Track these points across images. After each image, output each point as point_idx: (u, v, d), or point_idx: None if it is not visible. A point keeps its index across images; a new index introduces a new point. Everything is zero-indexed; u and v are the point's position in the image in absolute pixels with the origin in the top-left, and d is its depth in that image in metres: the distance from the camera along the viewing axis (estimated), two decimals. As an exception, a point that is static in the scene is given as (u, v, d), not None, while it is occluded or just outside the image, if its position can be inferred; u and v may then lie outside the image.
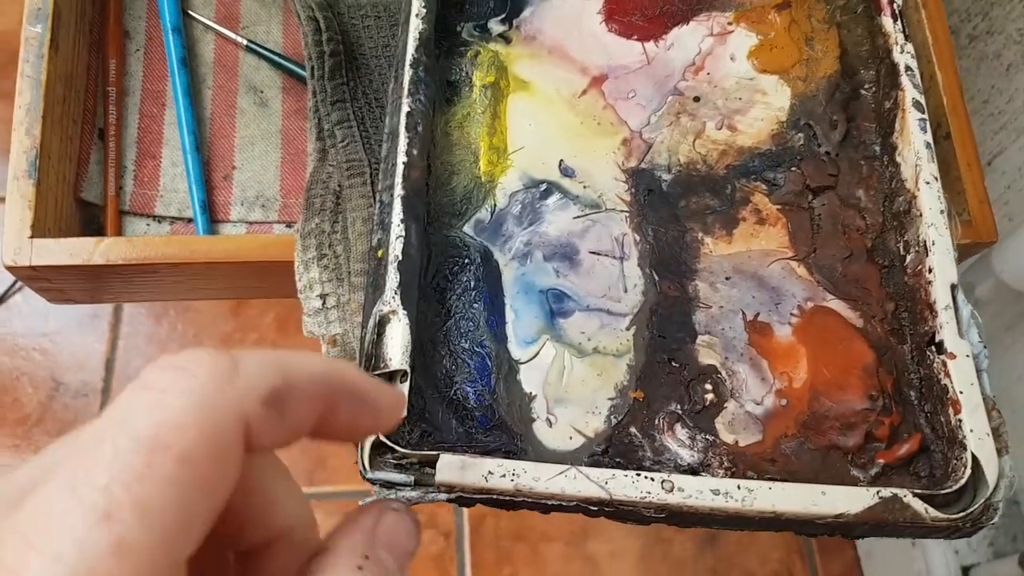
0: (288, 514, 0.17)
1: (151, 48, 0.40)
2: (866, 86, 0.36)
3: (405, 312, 0.28)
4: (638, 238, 0.33)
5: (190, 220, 0.37)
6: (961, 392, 0.28)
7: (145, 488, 0.13)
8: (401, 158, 0.30)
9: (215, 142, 0.39)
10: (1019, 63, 0.84)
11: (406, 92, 0.32)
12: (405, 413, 0.26)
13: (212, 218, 0.38)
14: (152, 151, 0.38)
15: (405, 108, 0.32)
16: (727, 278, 0.32)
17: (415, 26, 0.33)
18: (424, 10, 0.34)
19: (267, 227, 0.38)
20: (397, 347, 0.27)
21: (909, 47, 0.35)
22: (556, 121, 0.35)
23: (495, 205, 0.33)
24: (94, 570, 0.12)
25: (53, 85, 0.35)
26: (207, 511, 0.14)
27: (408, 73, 0.32)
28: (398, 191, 0.30)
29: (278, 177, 0.39)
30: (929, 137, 0.33)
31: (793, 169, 0.34)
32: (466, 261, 0.31)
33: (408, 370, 0.27)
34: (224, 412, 0.14)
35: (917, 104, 0.33)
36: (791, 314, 0.31)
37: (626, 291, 0.32)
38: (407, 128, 0.31)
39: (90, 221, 0.38)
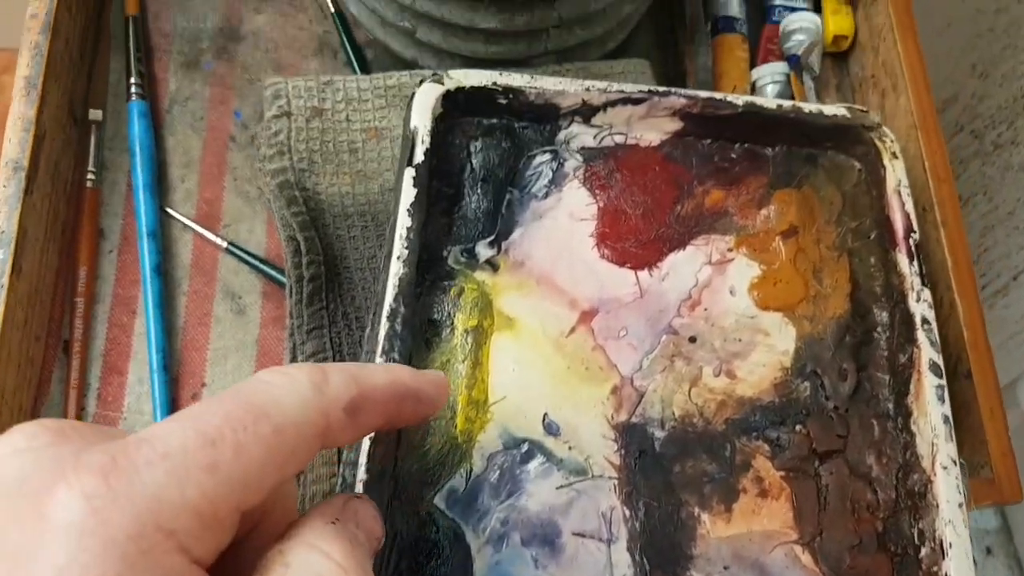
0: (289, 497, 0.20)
1: (125, 249, 0.37)
2: (879, 329, 0.32)
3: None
4: (628, 513, 0.29)
5: (154, 445, 0.34)
6: None
7: (243, 438, 0.16)
8: (365, 443, 0.27)
9: (186, 355, 0.36)
10: (1048, 177, 0.81)
11: (380, 349, 0.29)
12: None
13: (178, 442, 0.34)
14: (119, 366, 0.35)
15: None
16: (725, 567, 0.28)
17: (395, 271, 0.30)
18: (406, 251, 0.30)
19: (235, 454, 0.35)
20: None
21: (926, 294, 0.31)
22: (542, 365, 0.32)
23: (471, 470, 0.29)
24: (189, 476, 0.15)
25: (12, 312, 0.32)
26: (275, 478, 0.16)
27: (384, 327, 0.29)
28: (361, 474, 0.26)
29: (250, 397, 0.35)
30: (947, 409, 0.29)
31: (798, 428, 0.31)
32: (434, 549, 0.27)
33: None
34: (313, 410, 0.17)
35: (935, 367, 0.30)
36: (794, 613, 0.27)
37: (612, 579, 0.28)
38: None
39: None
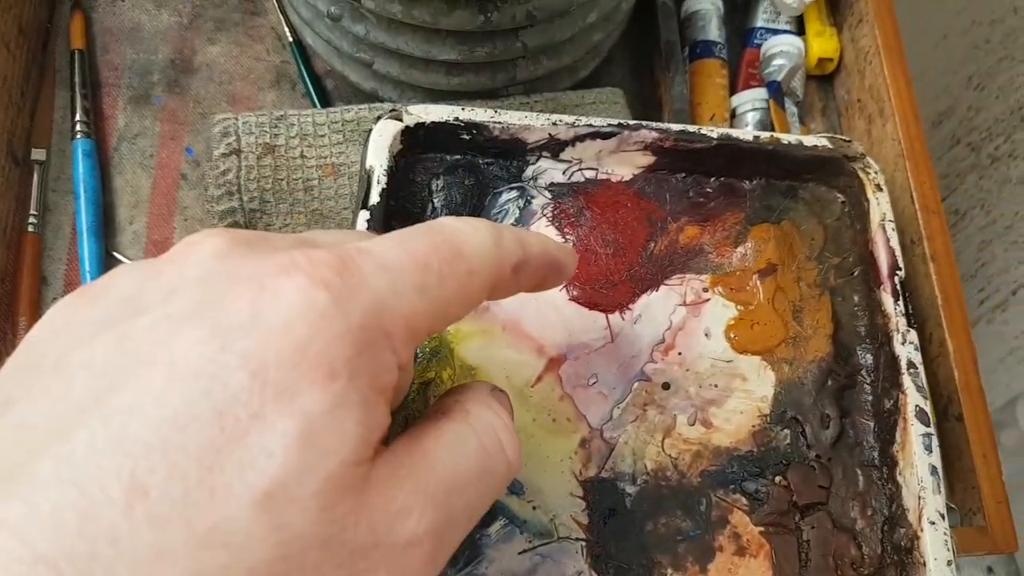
0: None
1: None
2: (863, 373, 0.32)
3: None
4: (597, 576, 0.28)
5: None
6: None
7: (446, 270, 0.18)
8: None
9: (134, 408, 0.35)
10: (1044, 191, 0.81)
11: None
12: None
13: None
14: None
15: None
16: (700, 632, 0.27)
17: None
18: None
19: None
20: None
21: (912, 336, 0.31)
22: (507, 418, 0.31)
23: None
24: (405, 291, 0.17)
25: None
26: (457, 315, 0.19)
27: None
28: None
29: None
30: (936, 459, 0.28)
31: (778, 479, 0.30)
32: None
33: None
34: (493, 262, 0.19)
35: (921, 415, 0.29)
36: None
37: (581, 648, 0.27)
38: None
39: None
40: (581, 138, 0.34)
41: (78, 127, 0.38)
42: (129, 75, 0.41)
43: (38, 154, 0.38)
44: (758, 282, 0.33)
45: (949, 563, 0.27)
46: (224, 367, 0.15)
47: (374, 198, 0.31)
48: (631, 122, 0.34)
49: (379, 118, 0.33)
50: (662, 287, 0.34)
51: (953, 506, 0.33)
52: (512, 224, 0.35)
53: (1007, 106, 0.83)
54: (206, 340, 0.15)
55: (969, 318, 0.92)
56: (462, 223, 0.19)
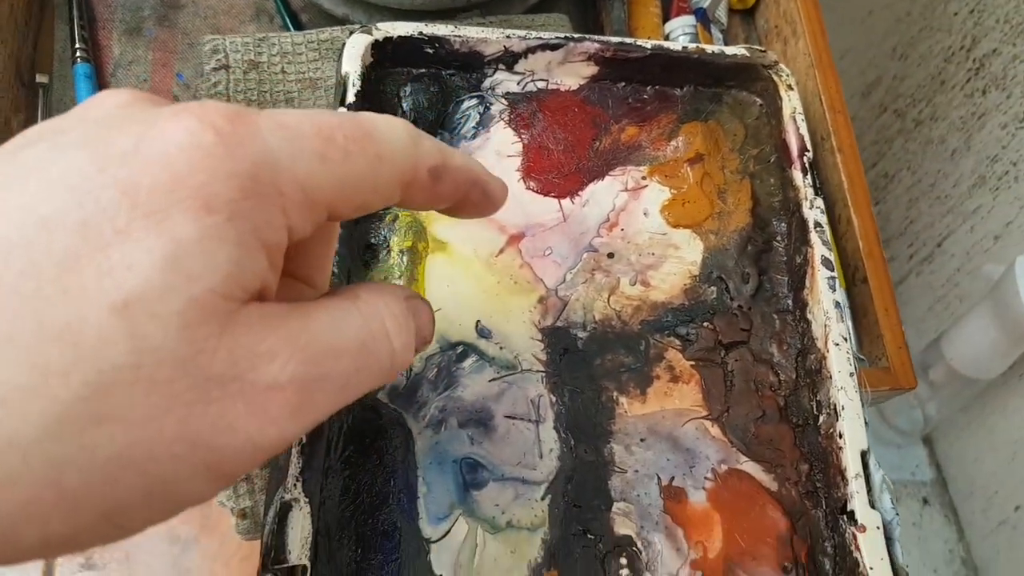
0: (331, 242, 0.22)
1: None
2: (778, 238, 0.37)
3: (307, 501, 0.27)
4: (554, 399, 0.32)
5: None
6: (871, 568, 0.27)
7: (352, 147, 0.17)
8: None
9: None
10: (963, 149, 0.87)
11: (319, 261, 0.32)
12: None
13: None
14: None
15: None
16: (642, 439, 0.32)
17: (331, 193, 0.33)
18: (340, 177, 0.34)
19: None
20: (297, 539, 0.26)
21: (819, 202, 0.36)
22: (473, 281, 0.35)
23: (411, 370, 0.32)
24: (302, 154, 0.17)
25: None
26: (360, 200, 0.18)
27: (322, 242, 0.32)
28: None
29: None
30: (839, 295, 0.33)
31: (705, 324, 0.34)
32: (378, 433, 0.30)
33: (308, 565, 0.26)
34: (407, 156, 0.19)
35: (826, 262, 0.34)
36: (705, 478, 0.31)
37: (541, 457, 0.31)
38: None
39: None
40: (532, 50, 0.39)
41: (78, 54, 0.42)
42: (122, 11, 0.44)
43: (42, 78, 0.42)
44: (688, 169, 0.38)
45: (851, 374, 0.31)
46: (97, 184, 0.15)
47: (350, 98, 0.36)
48: (576, 35, 0.39)
49: (352, 33, 0.37)
50: (607, 177, 0.38)
51: (862, 357, 0.38)
52: (473, 127, 0.39)
53: (927, 72, 0.90)
54: (85, 162, 0.15)
55: (899, 272, 0.99)
56: (379, 117, 0.19)
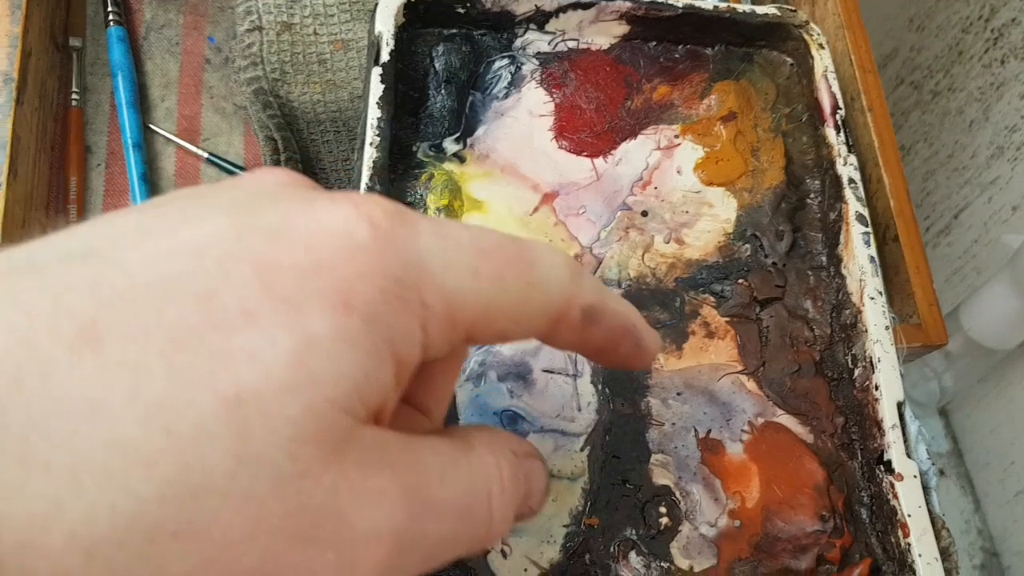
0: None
1: (112, 163, 0.40)
2: (811, 196, 0.37)
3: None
4: (591, 355, 0.32)
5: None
6: (909, 515, 0.28)
7: (505, 271, 0.16)
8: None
9: (174, 257, 0.39)
10: (980, 120, 0.87)
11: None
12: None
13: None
14: (111, 268, 0.38)
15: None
16: (678, 394, 0.32)
17: (369, 155, 0.33)
18: (378, 139, 0.34)
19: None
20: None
21: (852, 159, 0.35)
22: (509, 237, 0.35)
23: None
24: (454, 267, 0.15)
25: (11, 210, 0.35)
26: (501, 327, 0.16)
27: (361, 198, 0.32)
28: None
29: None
30: (873, 251, 0.33)
31: (740, 281, 0.35)
32: (419, 386, 0.31)
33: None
34: (563, 291, 0.17)
35: (861, 218, 0.34)
36: (742, 431, 0.31)
37: (579, 410, 0.31)
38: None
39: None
40: (564, 9, 0.39)
41: (111, 17, 0.42)
42: (153, -25, 0.44)
43: (75, 41, 0.42)
44: (721, 127, 0.38)
45: (887, 328, 0.31)
46: (231, 255, 0.13)
47: (384, 57, 0.36)
48: (608, -6, 0.39)
49: (385, -6, 0.37)
50: (639, 136, 0.38)
51: (893, 315, 0.38)
52: (504, 88, 0.39)
53: (945, 43, 0.89)
54: (224, 228, 0.14)
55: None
56: (542, 244, 0.17)
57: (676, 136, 0.38)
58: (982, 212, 0.86)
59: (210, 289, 0.13)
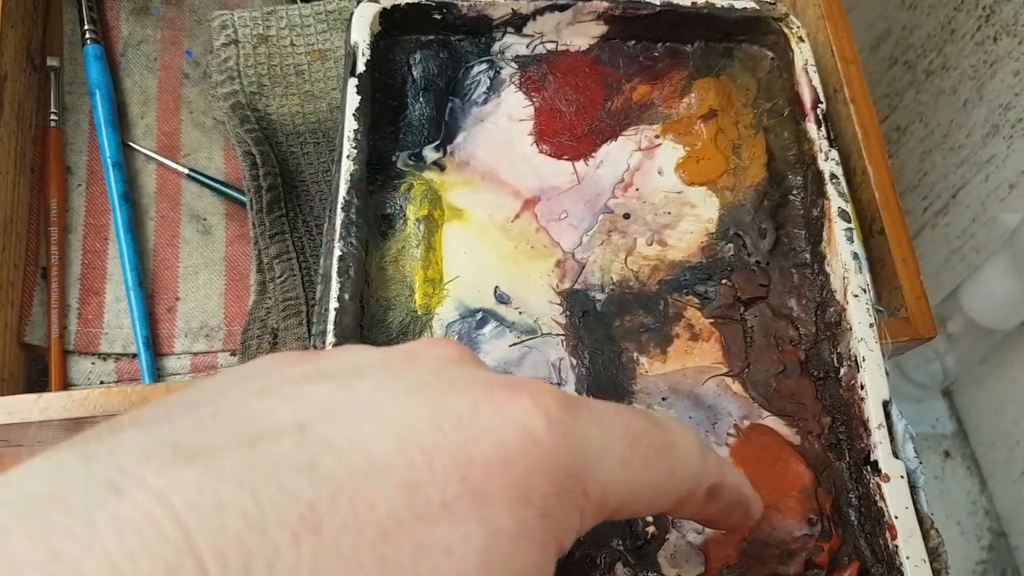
0: None
1: (93, 182, 0.40)
2: (794, 192, 0.36)
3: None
4: (575, 362, 0.32)
5: (135, 355, 0.37)
6: (896, 517, 0.27)
7: (652, 457, 0.17)
8: (333, 304, 0.30)
9: (158, 273, 0.39)
10: (975, 99, 0.86)
11: (337, 235, 0.32)
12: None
13: (156, 352, 0.37)
14: (96, 287, 0.38)
15: (337, 252, 0.31)
16: (663, 398, 0.32)
17: (346, 168, 0.33)
18: (355, 151, 0.33)
19: (212, 357, 0.37)
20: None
21: (834, 154, 0.35)
22: (490, 247, 0.35)
23: (432, 337, 0.32)
24: (610, 457, 0.16)
25: (-9, 235, 0.35)
26: (642, 510, 0.18)
27: (340, 216, 0.32)
28: (330, 339, 0.29)
29: (222, 305, 0.38)
30: (857, 247, 0.33)
31: (724, 282, 0.34)
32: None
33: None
34: (694, 473, 0.18)
35: (843, 214, 0.33)
36: (728, 434, 0.31)
37: (564, 419, 0.31)
38: (339, 273, 0.31)
39: (35, 362, 0.37)
40: (541, 11, 0.38)
41: (88, 35, 0.41)
42: (129, -10, 0.44)
43: (52, 61, 0.41)
44: (702, 125, 0.37)
45: (871, 325, 0.31)
46: (434, 446, 0.14)
47: (360, 67, 0.35)
48: (584, -6, 0.38)
49: (359, 2, 0.37)
50: (620, 137, 0.38)
51: (881, 308, 0.38)
52: (483, 93, 0.39)
53: (937, 21, 0.88)
54: (424, 415, 0.14)
55: (914, 226, 0.97)
56: (674, 421, 0.19)
57: (657, 136, 0.38)
58: (979, 191, 0.85)
59: (415, 480, 0.14)
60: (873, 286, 0.38)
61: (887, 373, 0.30)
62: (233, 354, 0.37)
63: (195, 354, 0.37)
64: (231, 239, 0.40)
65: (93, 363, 0.37)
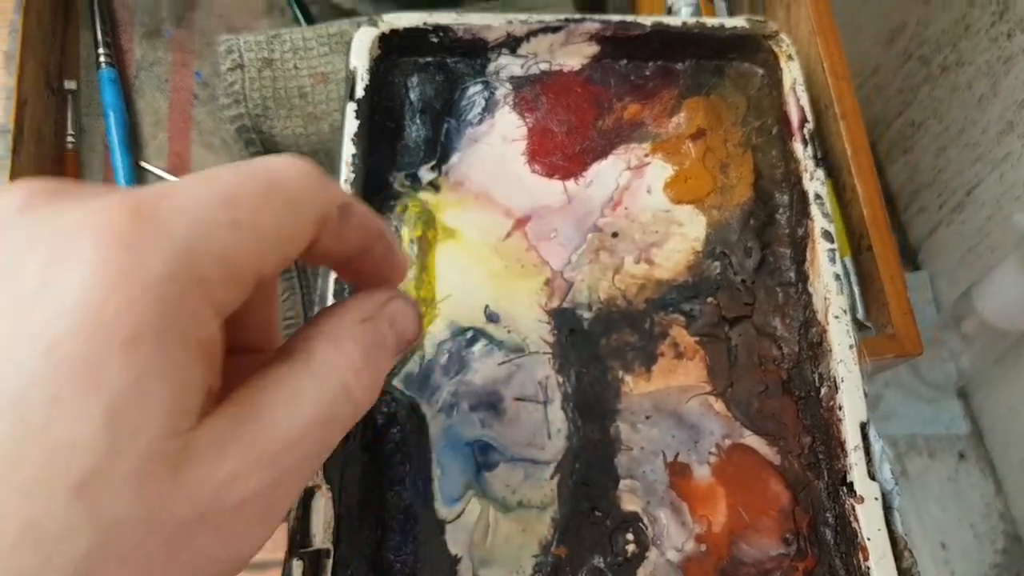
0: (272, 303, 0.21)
1: (109, 203, 0.41)
2: (780, 211, 0.36)
3: (329, 487, 0.28)
4: (561, 380, 0.33)
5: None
6: (869, 539, 0.27)
7: (259, 202, 0.16)
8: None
9: (170, 291, 0.40)
10: (990, 95, 0.84)
11: (331, 257, 0.32)
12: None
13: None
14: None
15: (332, 274, 0.32)
16: (647, 417, 0.32)
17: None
18: (352, 175, 0.34)
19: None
20: (320, 524, 0.27)
21: (820, 173, 0.35)
22: (482, 267, 0.35)
23: (424, 356, 0.33)
24: (214, 230, 0.15)
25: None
26: (283, 253, 0.17)
27: (333, 237, 0.33)
28: (322, 360, 0.30)
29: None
30: (839, 268, 0.32)
31: (709, 300, 0.34)
32: (393, 419, 0.31)
33: (331, 548, 0.27)
34: (317, 196, 0.18)
35: (826, 234, 0.33)
36: (709, 453, 0.31)
37: (550, 437, 0.32)
38: (334, 296, 0.31)
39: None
40: (534, 33, 0.38)
41: (102, 59, 0.43)
42: (140, 13, 0.45)
43: (70, 84, 0.42)
44: (690, 145, 0.38)
45: (851, 347, 0.31)
46: (15, 347, 0.13)
47: (359, 93, 0.36)
48: (576, 15, 0.38)
49: (359, 26, 0.37)
50: (610, 156, 0.38)
51: (868, 324, 0.38)
52: (479, 113, 0.39)
53: (952, 17, 0.86)
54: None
55: (930, 223, 0.95)
56: (277, 159, 0.17)
57: (646, 155, 0.38)
58: (995, 189, 0.84)
59: (14, 393, 0.13)
60: (863, 301, 0.38)
61: (866, 394, 0.30)
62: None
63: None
64: (238, 256, 0.40)
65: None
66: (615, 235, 0.36)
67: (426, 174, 0.37)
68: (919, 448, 0.82)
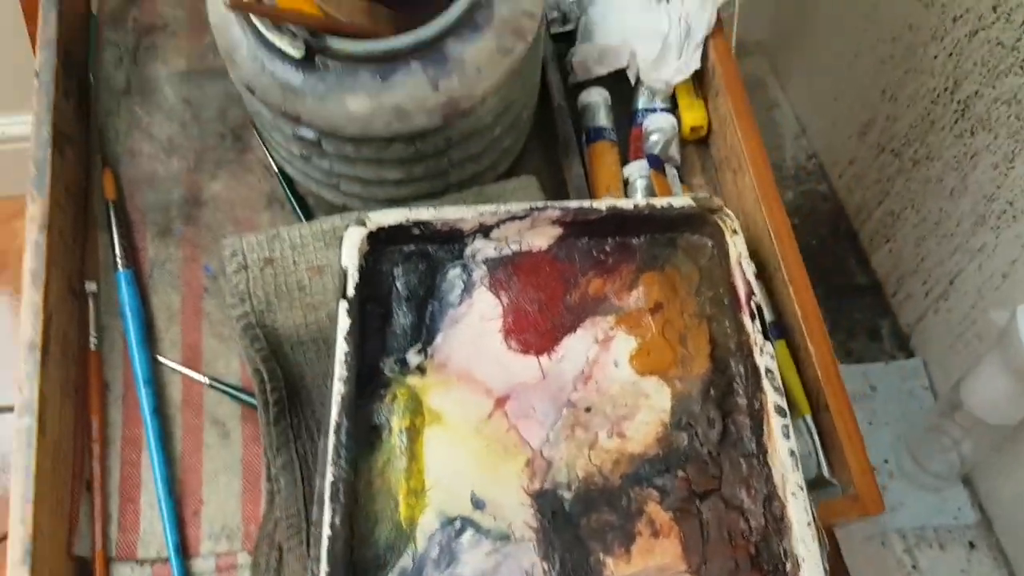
0: None
1: (129, 395, 0.44)
2: (736, 380, 0.38)
3: None
4: (547, 567, 0.34)
5: (167, 560, 0.41)
6: None
7: None
8: (326, 531, 0.33)
9: (185, 479, 0.42)
10: (960, 188, 0.87)
11: (330, 459, 0.35)
12: None
13: (185, 554, 0.41)
14: (132, 495, 0.42)
15: (329, 477, 0.34)
16: (627, 599, 0.34)
17: (338, 390, 0.36)
18: (345, 373, 0.37)
19: (232, 556, 0.41)
20: None
21: (768, 347, 0.37)
22: (466, 450, 0.38)
23: (416, 550, 0.35)
24: None
25: (42, 464, 0.39)
26: None
27: (332, 440, 0.35)
28: (323, 567, 0.33)
29: (239, 507, 0.42)
30: (792, 444, 0.35)
31: (680, 473, 0.36)
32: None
33: None
34: None
35: (779, 410, 0.35)
36: (685, 631, 0.33)
37: (535, 623, 0.33)
38: (331, 498, 0.34)
39: (83, 570, 0.41)
40: (503, 221, 0.42)
41: (119, 261, 0.47)
42: (152, 214, 0.49)
43: (90, 286, 0.46)
44: (650, 319, 0.40)
45: (808, 524, 0.33)
46: None
47: (350, 291, 0.39)
48: (540, 204, 0.41)
49: (348, 226, 0.41)
50: (579, 330, 0.41)
51: (835, 481, 0.40)
52: (459, 295, 0.42)
53: (917, 113, 0.90)
54: None
55: (917, 310, 0.97)
56: None
57: (611, 328, 0.40)
58: (975, 279, 0.85)
59: None
60: (826, 459, 0.40)
61: (826, 571, 0.32)
62: (250, 554, 0.41)
63: (219, 555, 0.41)
64: (247, 441, 0.43)
65: (132, 569, 0.41)
66: (588, 410, 0.39)
67: (413, 358, 0.40)
68: (929, 540, 0.81)
